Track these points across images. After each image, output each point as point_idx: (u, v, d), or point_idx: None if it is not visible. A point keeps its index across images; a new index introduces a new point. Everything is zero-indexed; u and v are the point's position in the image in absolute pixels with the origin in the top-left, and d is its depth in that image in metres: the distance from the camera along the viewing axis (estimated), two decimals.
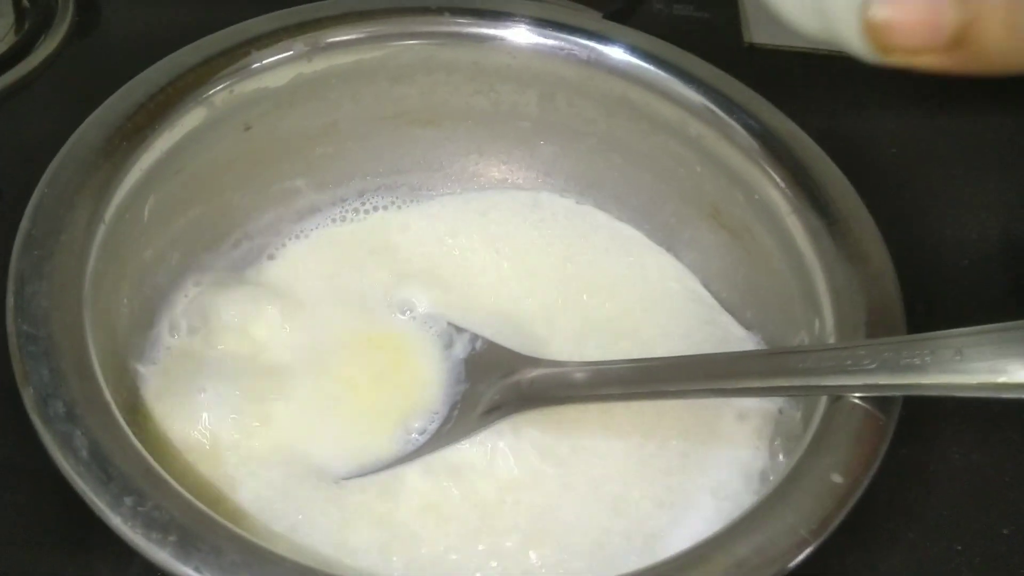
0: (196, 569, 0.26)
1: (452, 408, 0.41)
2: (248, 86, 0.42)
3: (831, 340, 0.36)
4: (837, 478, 0.30)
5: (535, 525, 0.37)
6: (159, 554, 0.27)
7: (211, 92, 0.40)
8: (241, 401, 0.39)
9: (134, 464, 0.29)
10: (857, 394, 0.32)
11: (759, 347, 0.43)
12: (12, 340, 0.31)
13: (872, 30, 0.26)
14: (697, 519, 0.37)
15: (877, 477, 0.34)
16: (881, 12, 0.25)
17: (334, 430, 0.40)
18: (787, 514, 0.29)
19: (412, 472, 0.39)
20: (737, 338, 0.44)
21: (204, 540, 0.27)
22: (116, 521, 0.27)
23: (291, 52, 0.42)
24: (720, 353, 0.41)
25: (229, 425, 0.39)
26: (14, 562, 0.35)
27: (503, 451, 0.39)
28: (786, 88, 0.43)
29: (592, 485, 0.39)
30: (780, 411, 0.40)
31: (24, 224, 0.34)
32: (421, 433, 0.40)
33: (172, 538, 0.27)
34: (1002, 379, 0.28)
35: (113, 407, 0.30)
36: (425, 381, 0.42)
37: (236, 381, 0.40)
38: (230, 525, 0.28)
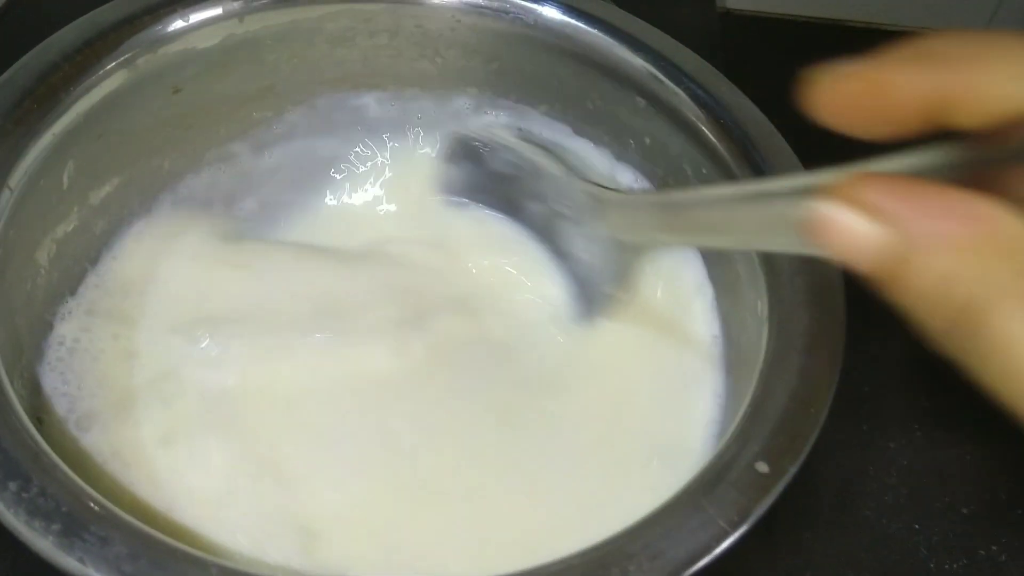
0: (80, 560, 0.25)
1: None
2: (174, 48, 0.40)
3: None
4: (763, 467, 0.29)
5: None
6: (41, 543, 0.25)
7: (132, 53, 0.38)
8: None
9: (22, 447, 0.27)
10: None
11: None
12: None
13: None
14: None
15: (837, 454, 0.32)
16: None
17: None
18: (707, 504, 0.28)
19: None
20: None
21: (90, 530, 0.26)
22: None
23: (220, 11, 0.40)
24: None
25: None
26: None
27: None
28: (762, 56, 0.42)
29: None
30: None
31: None
32: None
33: (56, 526, 0.26)
34: None
35: (7, 387, 0.29)
36: None
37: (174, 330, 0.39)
38: (121, 512, 0.27)
